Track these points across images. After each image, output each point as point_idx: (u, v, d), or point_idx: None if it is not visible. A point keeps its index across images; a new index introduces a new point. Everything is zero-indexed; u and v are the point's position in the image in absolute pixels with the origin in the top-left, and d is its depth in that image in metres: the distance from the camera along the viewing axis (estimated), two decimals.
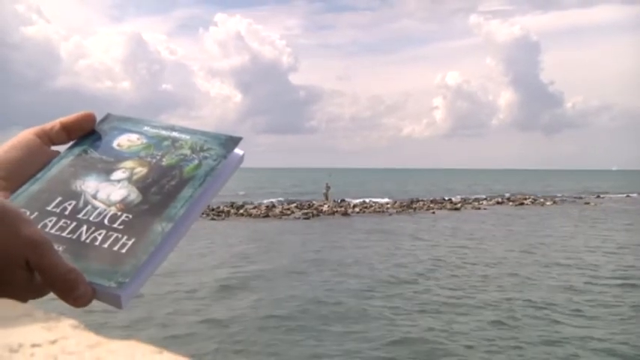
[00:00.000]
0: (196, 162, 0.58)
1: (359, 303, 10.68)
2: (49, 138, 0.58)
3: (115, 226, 0.51)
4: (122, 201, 0.54)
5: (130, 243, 0.50)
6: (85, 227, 0.51)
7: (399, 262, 15.22)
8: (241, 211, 30.31)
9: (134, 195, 0.55)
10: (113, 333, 6.88)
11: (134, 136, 0.62)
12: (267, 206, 32.75)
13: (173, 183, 0.56)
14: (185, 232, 0.53)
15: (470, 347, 8.27)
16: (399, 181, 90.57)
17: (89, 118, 0.61)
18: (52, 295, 0.47)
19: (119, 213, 0.53)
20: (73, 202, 0.54)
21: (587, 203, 40.64)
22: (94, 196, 0.55)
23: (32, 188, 0.54)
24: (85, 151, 0.60)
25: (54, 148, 0.59)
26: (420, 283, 12.60)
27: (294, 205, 32.95)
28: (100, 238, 0.50)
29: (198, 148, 0.60)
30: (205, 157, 0.59)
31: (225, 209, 30.17)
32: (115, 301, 0.47)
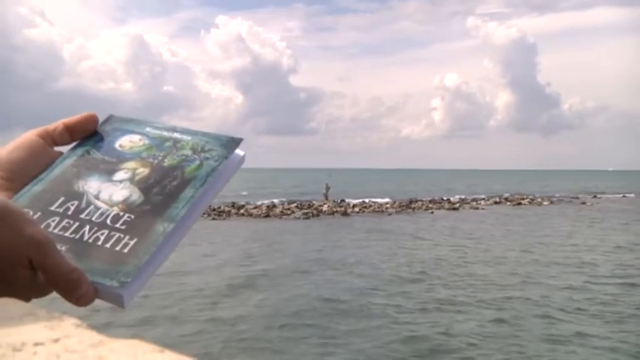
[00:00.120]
0: (198, 163, 0.59)
1: (362, 301, 10.81)
2: (52, 139, 0.58)
3: (118, 226, 0.52)
4: (124, 201, 0.55)
5: (132, 243, 0.50)
6: (87, 227, 0.52)
7: (400, 261, 15.36)
8: (242, 211, 30.38)
9: (136, 195, 0.55)
10: (118, 332, 6.99)
11: (136, 137, 0.62)
12: (267, 206, 32.83)
13: (175, 183, 0.56)
14: (186, 232, 0.54)
15: (472, 345, 8.40)
16: (399, 182, 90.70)
17: (92, 119, 0.61)
18: (54, 294, 0.48)
19: (121, 213, 0.53)
20: (76, 203, 0.54)
21: (584, 203, 40.87)
22: (97, 197, 0.55)
23: (35, 188, 0.55)
24: (88, 152, 0.60)
25: (57, 148, 0.59)
26: (421, 282, 12.73)
27: (295, 205, 33.08)
28: (102, 238, 0.51)
29: (199, 149, 0.61)
30: (207, 158, 0.59)
31: (226, 209, 30.23)
32: (118, 301, 0.48)
